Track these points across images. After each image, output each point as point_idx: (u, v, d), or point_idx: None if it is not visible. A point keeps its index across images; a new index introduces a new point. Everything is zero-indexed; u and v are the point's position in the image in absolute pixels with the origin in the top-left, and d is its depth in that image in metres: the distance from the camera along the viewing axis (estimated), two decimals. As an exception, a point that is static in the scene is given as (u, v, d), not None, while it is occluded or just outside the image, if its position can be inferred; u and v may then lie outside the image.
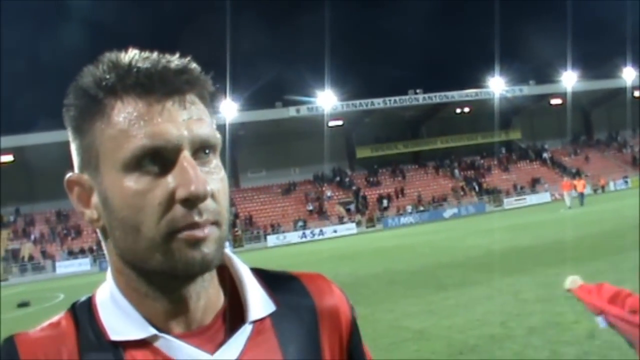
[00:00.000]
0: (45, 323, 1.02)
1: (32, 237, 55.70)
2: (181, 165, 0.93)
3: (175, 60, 0.98)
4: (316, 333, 1.10)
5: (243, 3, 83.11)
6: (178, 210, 0.92)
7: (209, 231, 0.94)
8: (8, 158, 55.12)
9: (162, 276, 0.97)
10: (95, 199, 0.99)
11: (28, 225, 57.34)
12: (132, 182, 0.93)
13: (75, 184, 1.01)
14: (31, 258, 52.83)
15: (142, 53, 0.98)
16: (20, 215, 58.62)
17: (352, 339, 1.16)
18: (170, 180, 0.93)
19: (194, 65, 1.00)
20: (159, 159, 0.93)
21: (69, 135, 1.01)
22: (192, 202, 0.92)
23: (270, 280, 1.13)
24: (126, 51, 0.99)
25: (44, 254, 53.24)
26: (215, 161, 0.99)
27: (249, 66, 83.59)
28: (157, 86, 0.94)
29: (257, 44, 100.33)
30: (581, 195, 41.75)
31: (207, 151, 0.98)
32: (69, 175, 1.02)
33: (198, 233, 0.93)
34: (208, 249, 0.95)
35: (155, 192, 0.92)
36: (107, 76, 0.95)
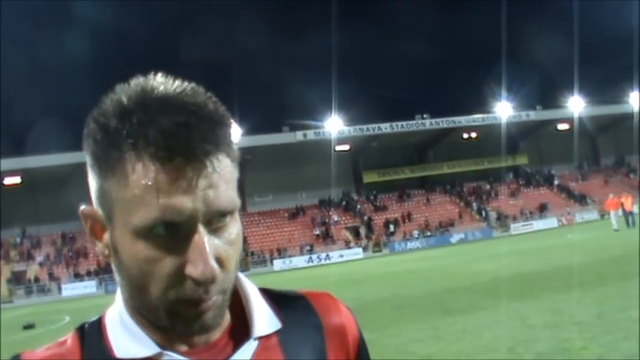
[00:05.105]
0: (52, 343, 1.03)
1: (38, 259, 55.77)
2: (194, 242, 0.90)
3: (205, 118, 0.91)
4: (323, 350, 1.10)
5: (251, 27, 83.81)
6: (187, 284, 0.92)
7: (212, 301, 0.95)
8: (16, 179, 55.35)
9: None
10: (107, 236, 0.98)
11: (34, 247, 57.44)
12: (142, 247, 0.91)
13: (89, 217, 1.00)
14: (37, 280, 52.86)
15: (173, 94, 0.92)
16: (26, 237, 58.76)
17: (360, 357, 1.16)
18: (181, 254, 0.91)
19: (224, 119, 0.94)
20: (171, 228, 0.90)
21: (87, 161, 0.98)
22: (200, 283, 0.92)
23: (277, 298, 1.14)
24: (155, 82, 0.93)
25: (50, 276, 53.25)
26: (232, 223, 0.96)
27: (256, 90, 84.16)
28: (178, 151, 0.88)
29: (265, 68, 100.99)
30: (630, 214, 36.14)
31: (224, 215, 0.94)
32: (83, 207, 1.01)
33: (203, 307, 0.94)
34: (208, 316, 0.95)
35: (165, 262, 0.91)
36: (130, 123, 0.89)
